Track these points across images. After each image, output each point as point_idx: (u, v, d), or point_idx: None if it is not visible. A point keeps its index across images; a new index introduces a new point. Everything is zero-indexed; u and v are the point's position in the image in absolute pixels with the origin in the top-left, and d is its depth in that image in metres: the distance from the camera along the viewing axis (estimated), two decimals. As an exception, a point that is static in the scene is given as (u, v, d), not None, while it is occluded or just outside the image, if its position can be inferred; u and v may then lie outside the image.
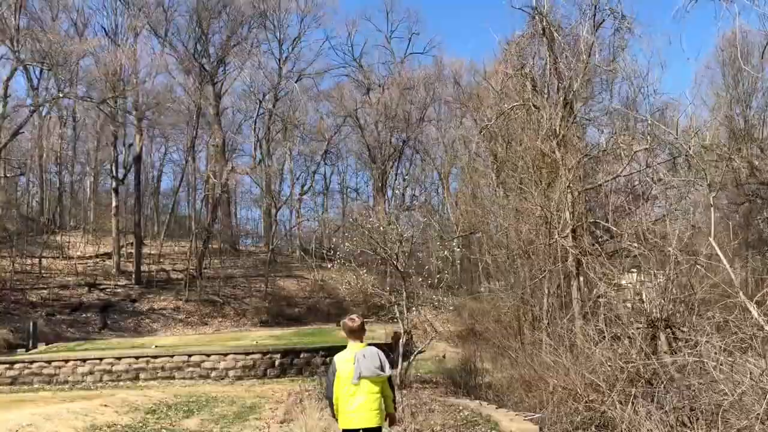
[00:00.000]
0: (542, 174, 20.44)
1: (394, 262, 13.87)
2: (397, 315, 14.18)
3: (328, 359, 19.56)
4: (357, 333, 6.17)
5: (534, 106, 20.94)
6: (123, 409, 11.58)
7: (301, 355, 19.22)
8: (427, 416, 10.20)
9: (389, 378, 6.12)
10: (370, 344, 6.18)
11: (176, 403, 13.24)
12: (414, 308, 36.64)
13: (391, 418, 6.32)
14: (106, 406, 11.51)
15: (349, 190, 60.34)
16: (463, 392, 14.57)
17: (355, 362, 5.89)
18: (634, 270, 22.77)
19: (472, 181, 33.89)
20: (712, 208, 10.30)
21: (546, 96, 20.94)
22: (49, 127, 47.51)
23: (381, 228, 13.94)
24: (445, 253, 15.02)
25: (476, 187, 32.57)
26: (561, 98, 20.57)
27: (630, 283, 22.58)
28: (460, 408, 11.27)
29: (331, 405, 6.14)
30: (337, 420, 6.14)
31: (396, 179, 52.33)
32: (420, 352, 14.64)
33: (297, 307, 44.06)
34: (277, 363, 18.93)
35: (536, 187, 19.62)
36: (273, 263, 46.33)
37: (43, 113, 47.97)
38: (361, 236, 14.57)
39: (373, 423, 5.90)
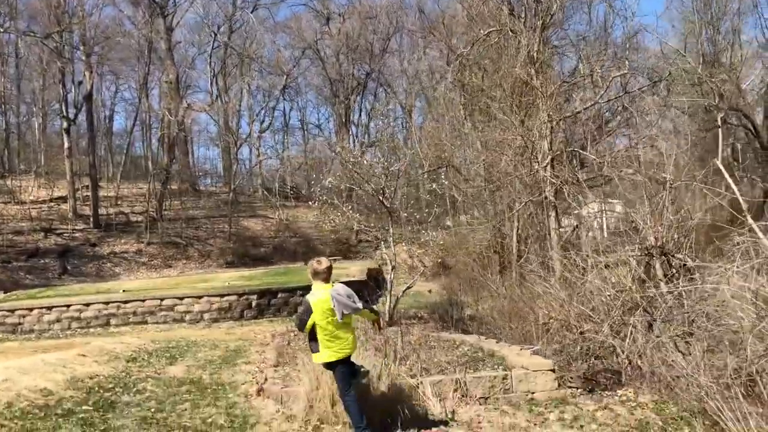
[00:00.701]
0: (520, 103, 19.90)
1: (380, 198, 13.26)
2: (384, 251, 13.67)
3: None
4: (324, 275, 6.50)
5: (511, 30, 20.21)
6: (102, 359, 10.94)
7: (279, 295, 18.72)
8: (429, 353, 9.82)
9: (366, 305, 6.87)
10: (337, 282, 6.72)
11: (156, 349, 12.63)
12: (394, 244, 36.13)
13: (379, 323, 7.34)
14: (83, 355, 10.85)
15: (310, 126, 59.12)
16: (451, 327, 14.29)
17: (333, 303, 6.32)
18: (614, 200, 22.70)
19: (439, 113, 33.22)
20: (719, 130, 9.89)
21: (523, 20, 20.19)
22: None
23: (365, 162, 13.26)
24: (434, 186, 14.43)
25: (443, 120, 31.95)
26: (539, 22, 19.87)
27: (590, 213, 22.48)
28: (457, 343, 10.92)
29: (312, 342, 6.60)
30: (324, 361, 6.60)
31: (360, 114, 51.29)
32: (409, 287, 14.23)
33: (263, 247, 43.43)
34: (254, 304, 18.41)
35: (515, 115, 19.08)
36: (235, 203, 45.37)
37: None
38: (343, 171, 13.88)
39: (352, 351, 6.67)
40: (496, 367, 8.72)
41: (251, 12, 48.49)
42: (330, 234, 46.40)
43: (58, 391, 8.41)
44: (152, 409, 7.88)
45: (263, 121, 53.48)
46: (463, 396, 7.86)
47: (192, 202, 47.79)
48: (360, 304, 6.55)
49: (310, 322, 6.41)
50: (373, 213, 18.59)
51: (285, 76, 50.15)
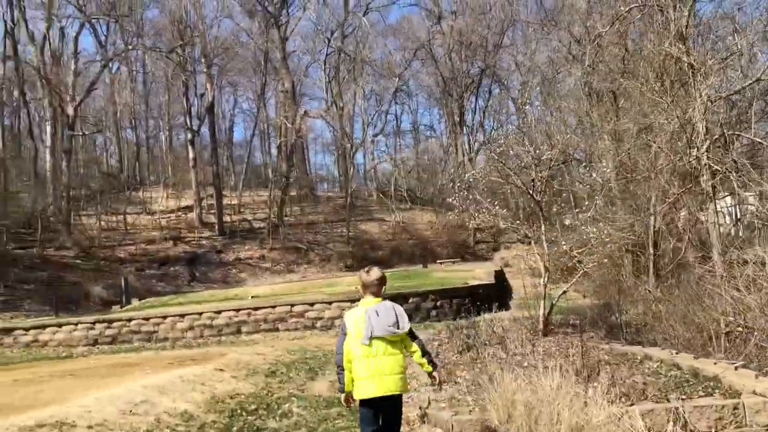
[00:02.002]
0: (672, 84, 17.65)
1: (530, 191, 11.63)
2: (535, 250, 12.01)
3: (438, 303, 17.72)
4: (373, 287, 5.15)
5: (657, 5, 18.00)
6: (240, 373, 9.98)
7: (410, 300, 17.42)
8: (616, 371, 8.13)
9: (411, 334, 5.10)
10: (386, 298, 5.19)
11: (293, 361, 11.60)
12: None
13: (433, 378, 5.28)
14: (221, 370, 9.93)
15: (422, 128, 57.93)
16: (609, 335, 12.42)
17: (366, 320, 4.92)
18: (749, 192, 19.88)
19: (561, 106, 30.99)
20: None
21: (668, -7, 17.94)
22: (120, 82, 46.66)
23: (511, 151, 11.68)
24: (594, 175, 12.63)
25: (566, 112, 29.73)
26: (688, -6, 17.57)
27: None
28: (639, 357, 9.16)
29: (340, 373, 5.11)
30: (345, 392, 5.09)
31: (476, 114, 49.47)
32: (564, 292, 12.50)
33: (380, 250, 42.54)
34: (385, 309, 17.20)
35: (667, 96, 16.87)
36: (352, 208, 44.75)
37: (113, 70, 47.13)
38: (488, 163, 12.37)
39: (392, 389, 4.88)
40: (712, 391, 6.92)
41: (363, 15, 47.88)
42: (445, 236, 44.99)
43: (199, 415, 7.38)
44: (304, 440, 6.68)
45: (376, 125, 52.83)
46: (682, 431, 6.15)
47: (311, 207, 47.72)
48: (404, 328, 4.97)
49: (346, 345, 5.03)
50: (512, 209, 16.92)
51: (396, 79, 49.16)
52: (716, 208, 18.23)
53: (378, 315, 4.96)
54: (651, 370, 8.44)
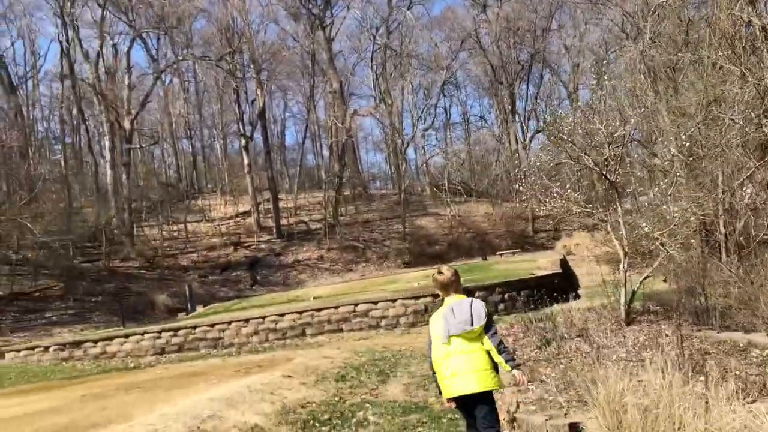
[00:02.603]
0: (743, 49, 16.39)
1: (603, 171, 10.74)
2: (612, 235, 11.12)
3: (506, 295, 16.92)
4: (449, 287, 5.05)
5: (722, -31, 16.76)
6: (309, 379, 9.45)
7: (476, 294, 16.61)
8: (721, 363, 7.27)
9: (488, 329, 4.81)
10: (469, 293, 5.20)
11: (362, 364, 11.02)
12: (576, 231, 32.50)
13: (516, 377, 4.93)
14: (289, 377, 9.43)
15: (474, 118, 56.85)
16: (695, 321, 11.42)
17: (443, 320, 4.88)
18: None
19: (617, 85, 29.62)
20: None
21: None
22: (173, 94, 47.16)
23: (579, 130, 10.80)
24: (671, 149, 11.65)
25: (622, 91, 28.37)
26: (759, -48, 16.27)
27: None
28: (742, 345, 8.26)
29: (434, 374, 5.03)
30: (441, 395, 5.06)
31: (527, 101, 48.16)
32: (647, 277, 11.57)
33: (437, 245, 41.82)
34: (451, 305, 16.52)
35: (740, 64, 15.65)
36: (407, 203, 44.09)
37: (166, 82, 47.64)
38: (556, 142, 11.51)
39: (475, 388, 4.73)
40: None
41: (407, 9, 47.15)
42: (503, 227, 43.93)
43: (271, 428, 6.85)
44: (385, 453, 6.05)
45: (425, 119, 52.02)
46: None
47: (365, 205, 47.30)
48: (478, 323, 4.76)
49: (431, 349, 5.04)
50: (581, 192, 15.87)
51: (444, 71, 48.26)
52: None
53: (454, 313, 4.87)
54: (761, 359, 7.54)
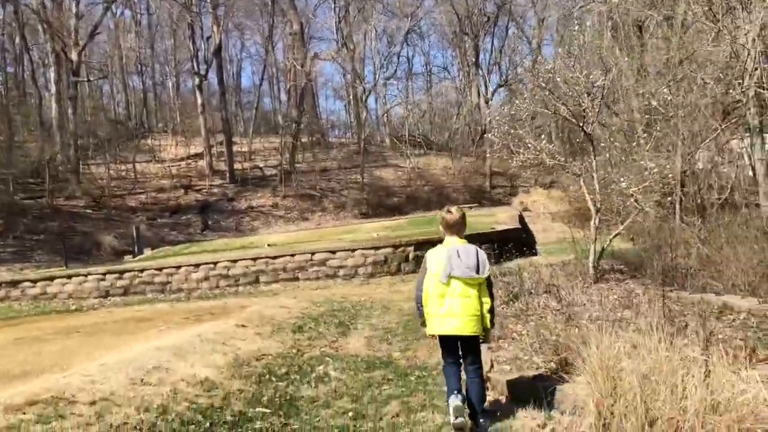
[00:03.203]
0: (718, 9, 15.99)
1: (580, 123, 10.26)
2: (584, 189, 10.71)
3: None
4: (455, 227, 5.12)
5: None
6: (264, 329, 8.88)
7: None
8: (703, 325, 6.95)
9: (488, 282, 5.03)
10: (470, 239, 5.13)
11: (321, 314, 10.49)
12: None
13: (486, 334, 5.13)
14: (243, 326, 8.83)
15: (435, 69, 55.95)
16: (661, 280, 11.22)
17: (447, 258, 4.90)
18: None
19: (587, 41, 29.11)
20: None
21: None
22: (124, 26, 44.85)
23: (558, 79, 10.25)
24: (649, 99, 11.18)
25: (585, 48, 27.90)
26: None
27: None
28: (716, 307, 7.99)
29: (419, 308, 5.16)
30: (424, 326, 5.18)
31: (491, 55, 47.43)
32: (617, 234, 11.26)
33: (396, 197, 41.37)
34: (411, 256, 16.07)
35: (715, 21, 15.25)
36: (366, 154, 43.32)
37: (117, 14, 45.28)
38: (532, 93, 10.94)
39: (465, 331, 4.91)
40: None
41: (373, -49, 45.49)
42: (461, 181, 43.68)
43: (222, 383, 6.27)
44: (349, 413, 5.53)
45: (387, 68, 50.85)
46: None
47: (323, 153, 46.30)
48: (484, 274, 4.90)
49: (425, 282, 5.02)
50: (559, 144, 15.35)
51: (409, 19, 47.01)
52: (763, 141, 16.82)
53: (459, 256, 4.90)
54: (739, 322, 7.27)
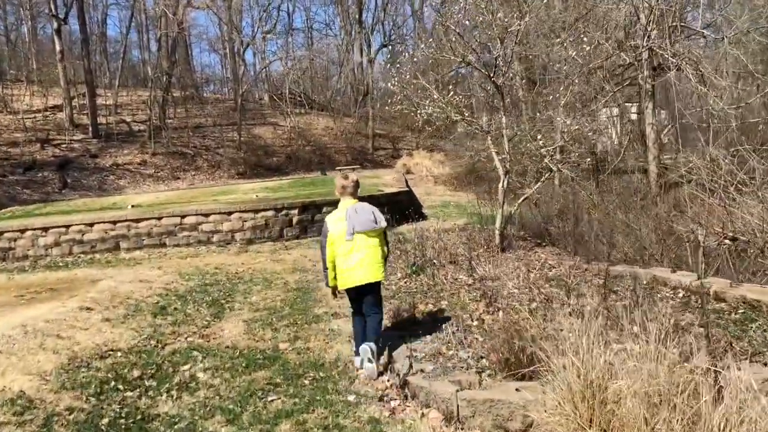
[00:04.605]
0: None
1: (491, 74, 8.97)
2: (492, 151, 9.49)
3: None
4: (350, 188, 5.51)
5: None
6: (116, 312, 7.01)
7: (324, 209, 14.69)
8: (649, 308, 5.90)
9: (384, 233, 5.50)
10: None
11: (190, 290, 8.68)
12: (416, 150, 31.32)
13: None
14: (88, 309, 6.92)
15: (318, 25, 53.53)
16: (571, 249, 10.35)
17: (347, 218, 5.29)
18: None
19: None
20: None
21: None
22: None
23: (467, 22, 8.86)
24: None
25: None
26: None
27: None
28: (644, 281, 7.05)
29: (325, 270, 5.47)
30: (330, 286, 5.48)
31: (375, 14, 45.77)
32: (525, 198, 10.17)
33: (275, 156, 39.18)
34: (295, 221, 14.42)
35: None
36: (243, 111, 40.63)
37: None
38: (438, 40, 9.48)
39: (374, 277, 5.27)
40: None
41: None
42: (343, 142, 42.17)
43: (45, 399, 4.45)
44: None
45: (267, 22, 47.85)
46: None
47: (197, 109, 42.93)
48: (381, 224, 5.35)
49: (329, 246, 5.34)
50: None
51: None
52: (654, 106, 16.48)
53: (357, 212, 5.29)
54: (678, 300, 6.31)
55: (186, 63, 45.98)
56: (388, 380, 4.81)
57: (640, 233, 10.06)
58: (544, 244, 10.26)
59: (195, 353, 5.83)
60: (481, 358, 4.84)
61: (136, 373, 5.23)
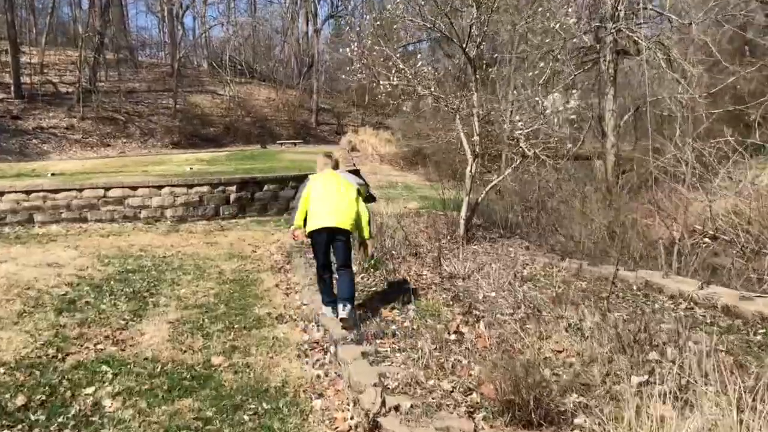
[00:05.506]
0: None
1: (463, 45, 7.90)
2: (459, 128, 8.46)
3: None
4: (332, 164, 5.88)
5: None
6: (9, 309, 5.65)
7: (265, 187, 13.39)
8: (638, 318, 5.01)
9: (366, 197, 5.81)
10: None
11: (107, 279, 7.34)
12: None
13: (365, 246, 5.87)
14: (-27, 304, 5.57)
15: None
16: (539, 241, 9.47)
17: (331, 178, 5.57)
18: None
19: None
20: None
21: None
22: None
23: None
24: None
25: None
26: None
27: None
28: (635, 287, 6.20)
29: (293, 212, 5.63)
30: (295, 226, 5.52)
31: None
32: (493, 186, 9.20)
33: (212, 126, 37.28)
34: (232, 198, 13.07)
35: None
36: (180, 77, 38.42)
37: None
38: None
39: (346, 224, 5.33)
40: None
41: None
42: (285, 115, 40.52)
43: None
44: None
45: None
46: None
47: (131, 73, 40.36)
48: (354, 182, 5.65)
49: (305, 193, 5.48)
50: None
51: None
52: (615, 90, 15.80)
53: (338, 174, 5.73)
54: (682, 311, 5.45)
55: (120, 23, 43.09)
56: (352, 418, 3.71)
57: (598, 226, 9.28)
58: (507, 235, 9.34)
59: (104, 368, 4.59)
60: (470, 390, 3.81)
61: (20, 400, 3.97)
